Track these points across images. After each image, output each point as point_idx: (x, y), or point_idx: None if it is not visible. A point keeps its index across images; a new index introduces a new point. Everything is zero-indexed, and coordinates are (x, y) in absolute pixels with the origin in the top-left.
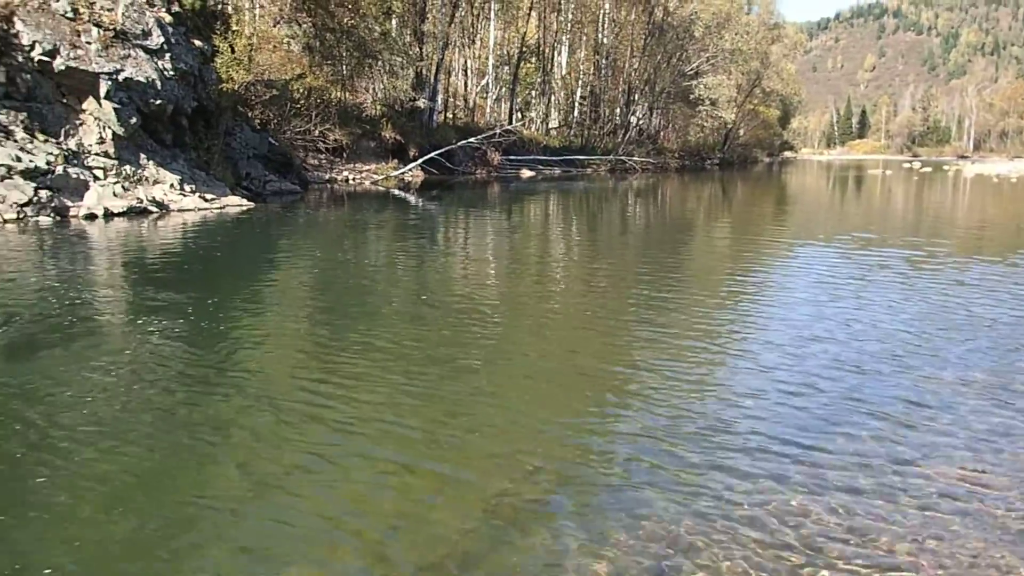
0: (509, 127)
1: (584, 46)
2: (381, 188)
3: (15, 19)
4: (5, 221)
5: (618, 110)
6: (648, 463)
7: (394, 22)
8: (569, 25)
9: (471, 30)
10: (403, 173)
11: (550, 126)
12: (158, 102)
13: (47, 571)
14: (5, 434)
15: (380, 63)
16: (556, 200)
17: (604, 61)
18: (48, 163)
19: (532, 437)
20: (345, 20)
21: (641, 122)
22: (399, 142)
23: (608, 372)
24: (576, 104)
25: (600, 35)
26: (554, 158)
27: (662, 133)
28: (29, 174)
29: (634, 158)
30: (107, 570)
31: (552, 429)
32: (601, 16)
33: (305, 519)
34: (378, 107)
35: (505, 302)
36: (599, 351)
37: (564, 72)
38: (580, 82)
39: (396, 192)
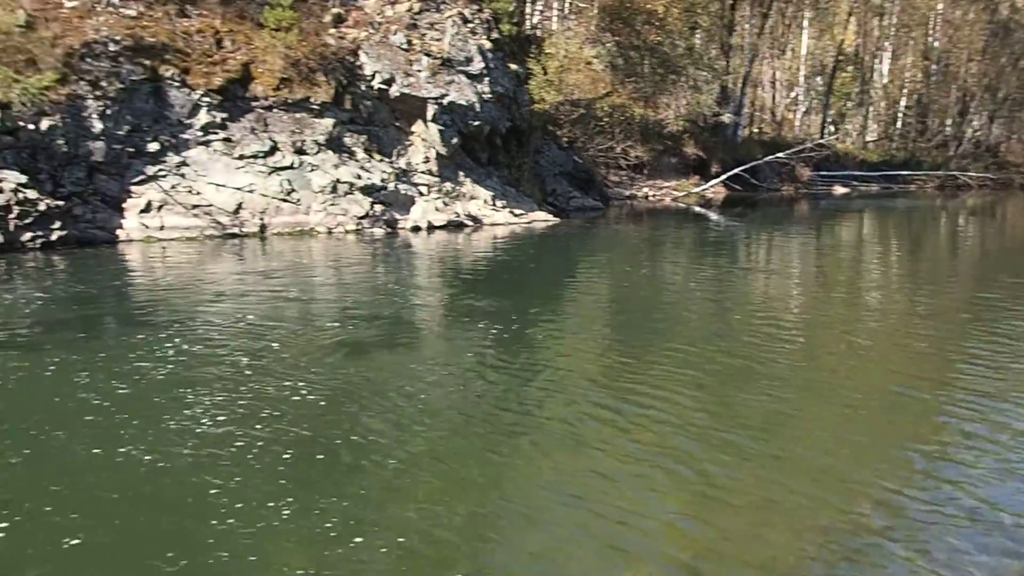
0: (821, 140)
1: (911, 51)
2: (681, 205)
3: (360, 52)
4: (347, 231)
5: (950, 120)
6: (991, 503)
7: (699, 37)
8: (893, 29)
9: (781, 40)
10: (705, 189)
11: (867, 139)
12: (476, 123)
13: (374, 536)
14: (336, 420)
15: (684, 78)
16: (874, 219)
17: (934, 67)
18: (382, 180)
19: (857, 461)
20: (650, 37)
21: (978, 133)
22: (701, 158)
23: (939, 405)
24: (899, 115)
25: (930, 38)
26: (872, 173)
27: (1004, 145)
28: (367, 190)
29: (969, 173)
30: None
31: (878, 454)
32: (932, 18)
33: (606, 530)
34: (680, 123)
35: (814, 325)
36: (927, 382)
37: (886, 80)
38: (904, 90)
39: (697, 209)
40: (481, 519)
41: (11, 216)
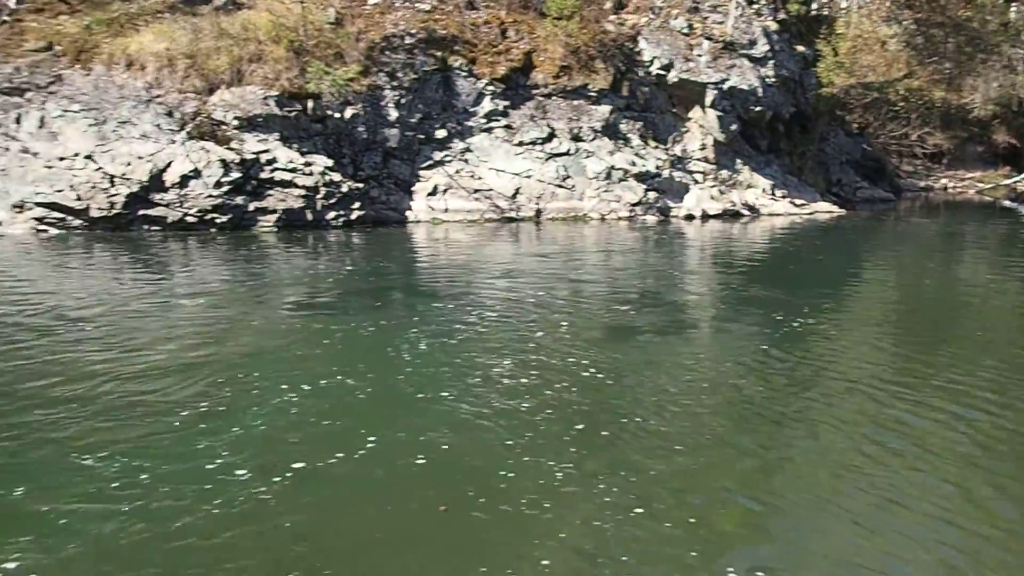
0: None
1: None
2: (987, 198)
3: (639, 38)
4: (619, 218)
5: None
6: None
7: (1014, 10)
8: None
9: None
10: (1017, 182)
11: None
12: (758, 109)
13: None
14: (616, 398)
15: (995, 57)
16: None
17: None
18: (656, 167)
19: None
20: (958, 12)
21: None
22: (1013, 147)
23: None
24: None
25: None
26: None
27: None
28: (641, 177)
29: None
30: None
31: None
32: None
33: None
34: (989, 107)
35: None
36: None
37: None
38: None
39: (1006, 203)
40: (761, 510)
41: (319, 196)
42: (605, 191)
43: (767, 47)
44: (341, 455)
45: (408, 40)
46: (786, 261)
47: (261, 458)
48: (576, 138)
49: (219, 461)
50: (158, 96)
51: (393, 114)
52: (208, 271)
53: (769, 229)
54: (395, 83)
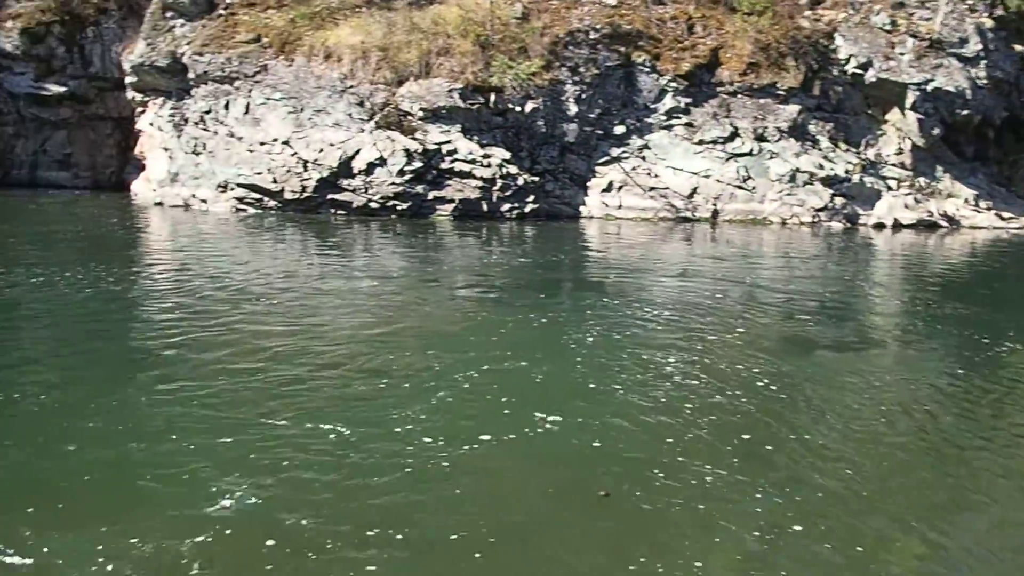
0: None
1: None
2: None
3: (836, 35)
4: (801, 223)
5: None
6: None
7: None
8: None
9: None
10: None
11: None
12: (965, 112)
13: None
14: (786, 411)
15: None
16: None
17: None
18: (846, 171)
19: None
20: None
21: None
22: None
23: None
24: None
25: None
26: None
27: None
28: (828, 181)
29: None
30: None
31: None
32: None
33: None
34: None
35: None
36: None
37: None
38: None
39: None
40: (941, 554)
41: (495, 188)
42: (788, 194)
43: (980, 46)
44: (516, 433)
45: (592, 35)
46: (990, 279)
47: (443, 428)
48: (760, 138)
49: (406, 427)
50: (351, 87)
51: (573, 109)
52: (387, 255)
53: (970, 243)
54: (576, 78)
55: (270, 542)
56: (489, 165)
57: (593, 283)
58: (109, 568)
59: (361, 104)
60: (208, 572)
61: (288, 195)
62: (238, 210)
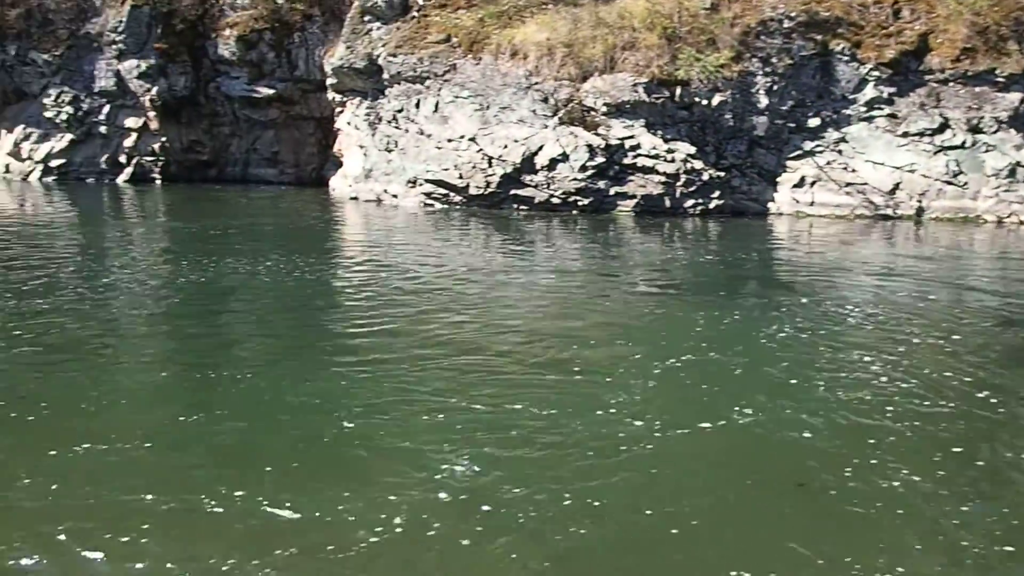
0: None
1: None
2: None
3: None
4: (1021, 222)
5: None
6: None
7: None
8: None
9: None
10: None
11: None
12: None
13: None
14: (981, 426)
15: None
16: None
17: None
18: None
19: None
20: None
21: None
22: None
23: None
24: None
25: None
26: None
27: None
28: None
29: None
30: None
31: None
32: None
33: None
34: None
35: None
36: None
37: None
38: None
39: None
40: None
41: (678, 184)
42: (1006, 191)
43: None
44: (713, 423)
45: (787, 24)
46: None
47: (640, 415)
48: (975, 129)
49: (603, 413)
50: (536, 83)
51: (763, 101)
52: (569, 249)
53: None
54: (768, 69)
55: (485, 507)
56: (673, 160)
57: (785, 281)
58: (361, 522)
59: (545, 100)
60: (440, 528)
61: (473, 190)
62: (426, 205)
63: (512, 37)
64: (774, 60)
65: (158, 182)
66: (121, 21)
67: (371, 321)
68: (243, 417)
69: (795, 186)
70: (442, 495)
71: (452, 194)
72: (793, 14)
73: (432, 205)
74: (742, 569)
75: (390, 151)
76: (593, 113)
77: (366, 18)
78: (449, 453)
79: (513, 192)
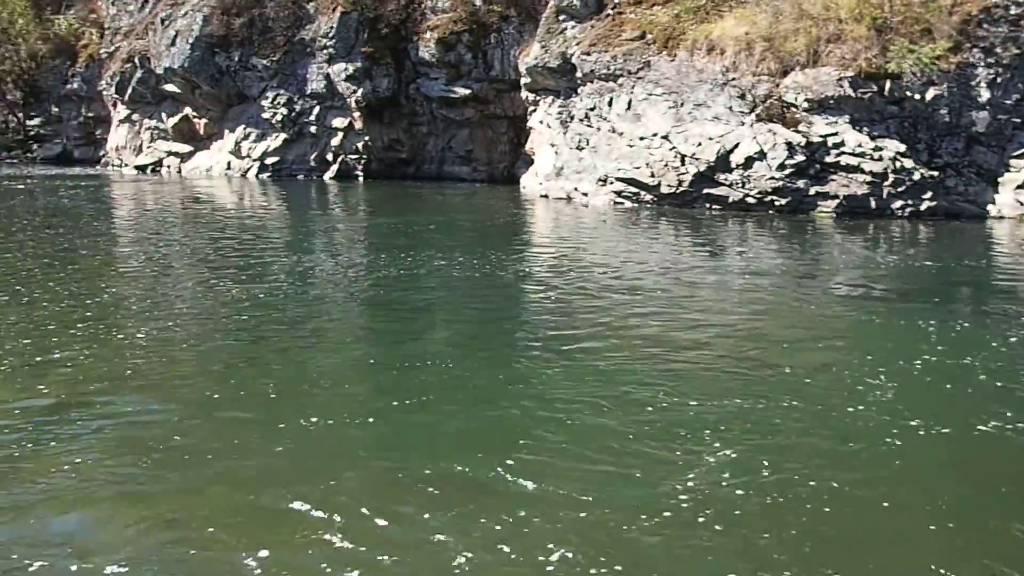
0: None
1: None
2: None
3: None
4: None
5: None
6: None
7: None
8: None
9: None
10: None
11: None
12: None
13: None
14: None
15: None
16: None
17: None
18: None
19: None
20: None
21: None
22: None
23: None
24: None
25: None
26: None
27: None
28: None
29: None
30: None
31: None
32: None
33: None
34: None
35: None
36: None
37: None
38: None
39: None
40: None
41: (886, 184)
42: None
43: None
44: (957, 430)
45: (1013, 10)
46: None
47: (870, 420)
48: None
49: (840, 416)
50: (733, 79)
51: (984, 95)
52: (764, 252)
53: None
54: (991, 60)
55: (739, 491)
56: (880, 158)
57: (1010, 289)
58: (638, 506)
59: (742, 97)
60: (711, 511)
61: (664, 189)
62: (616, 203)
63: (709, 32)
64: (998, 50)
65: (360, 178)
66: (332, 27)
67: (565, 317)
68: (448, 401)
69: (1019, 187)
70: (691, 484)
71: (643, 193)
72: (1021, 0)
73: (622, 203)
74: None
75: (581, 149)
76: (793, 109)
77: (561, 17)
78: (681, 448)
79: (706, 191)
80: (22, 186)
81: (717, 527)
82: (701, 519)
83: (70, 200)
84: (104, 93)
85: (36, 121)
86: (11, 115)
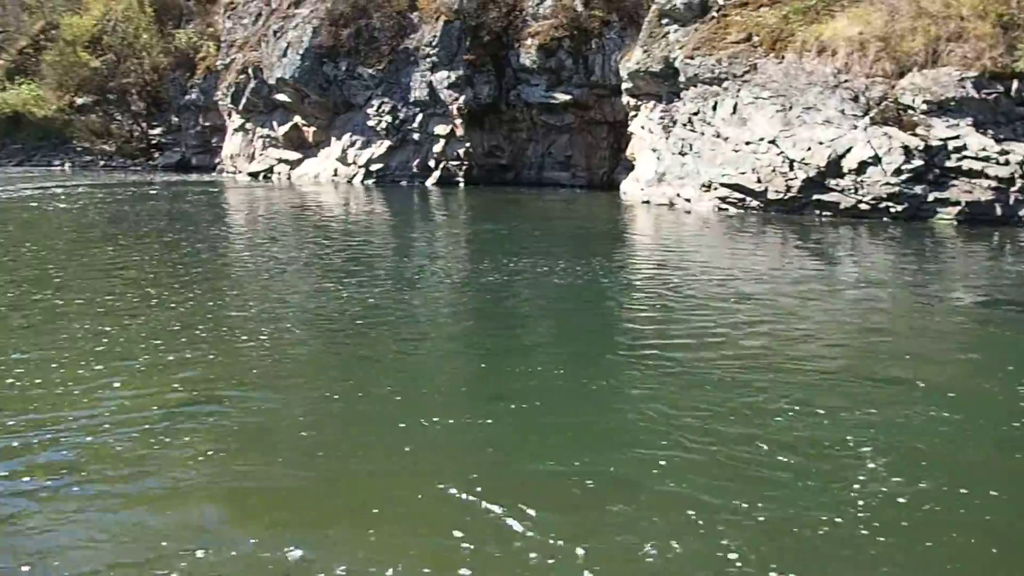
0: None
1: None
2: None
3: None
4: None
5: None
6: None
7: None
8: None
9: None
10: None
11: None
12: None
13: None
14: None
15: None
16: None
17: None
18: None
19: None
20: None
21: None
22: None
23: None
24: None
25: None
26: None
27: None
28: None
29: None
30: None
31: None
32: None
33: None
34: None
35: None
36: None
37: None
38: None
39: None
40: None
41: (1013, 189)
42: None
43: None
44: None
45: None
46: None
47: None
48: None
49: (984, 431)
50: (845, 81)
51: None
52: (880, 260)
53: None
54: None
55: (901, 500)
56: (1007, 163)
57: None
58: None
59: (855, 99)
60: (876, 521)
61: (771, 195)
62: (720, 209)
63: (819, 33)
64: None
65: (461, 185)
66: (435, 36)
67: (673, 325)
68: (564, 404)
69: None
70: (847, 495)
71: (749, 199)
72: None
73: (727, 210)
74: None
75: (684, 154)
76: (911, 112)
77: (663, 21)
78: (824, 458)
79: (816, 197)
80: (147, 192)
81: (883, 538)
82: (864, 530)
83: (191, 206)
84: (220, 103)
85: (157, 130)
86: (135, 125)
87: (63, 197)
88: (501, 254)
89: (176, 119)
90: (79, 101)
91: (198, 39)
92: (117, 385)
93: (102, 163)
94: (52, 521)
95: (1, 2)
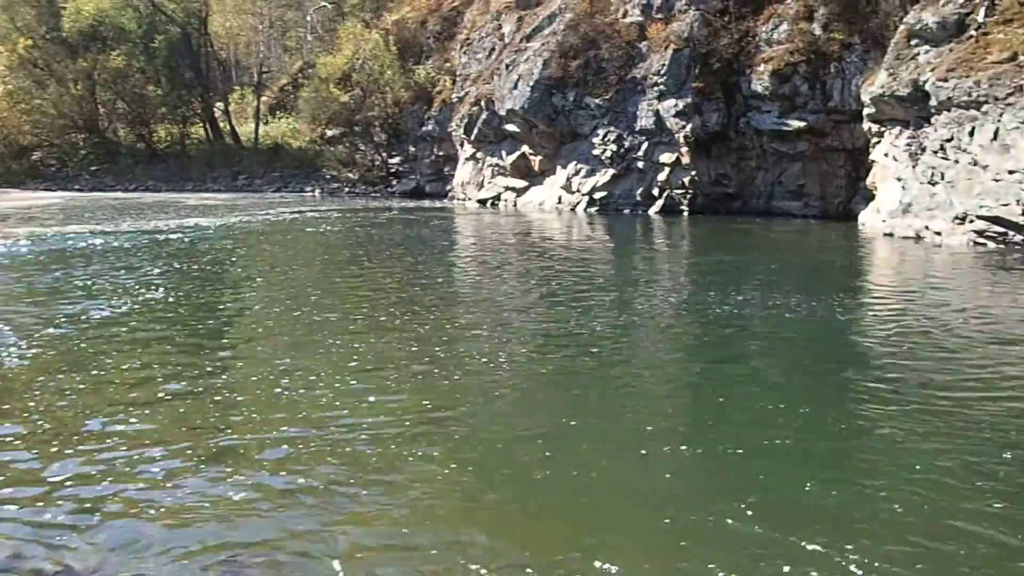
0: None
1: None
2: None
3: None
4: None
5: None
6: None
7: None
8: None
9: None
10: None
11: None
12: None
13: None
14: None
15: None
16: None
17: None
18: None
19: None
20: None
21: None
22: None
23: None
24: None
25: None
26: None
27: None
28: None
29: None
30: None
31: None
32: None
33: None
34: None
35: None
36: None
37: None
38: None
39: None
40: None
41: None
42: None
43: None
44: None
45: None
46: None
47: None
48: None
49: None
50: None
51: None
52: None
53: None
54: None
55: None
56: None
57: None
58: None
59: None
60: None
61: None
62: (976, 244)
63: None
64: None
65: (685, 213)
66: (664, 64)
67: (917, 372)
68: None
69: None
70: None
71: (1012, 233)
72: None
73: (984, 244)
74: None
75: (934, 184)
76: None
77: (913, 42)
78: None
79: None
80: (387, 217)
81: None
82: None
83: (429, 230)
84: (453, 134)
85: (396, 159)
86: (377, 155)
87: (317, 220)
88: (727, 286)
89: (413, 149)
90: (329, 133)
91: (436, 74)
92: (372, 399)
93: (347, 190)
94: (327, 527)
95: (267, 45)
